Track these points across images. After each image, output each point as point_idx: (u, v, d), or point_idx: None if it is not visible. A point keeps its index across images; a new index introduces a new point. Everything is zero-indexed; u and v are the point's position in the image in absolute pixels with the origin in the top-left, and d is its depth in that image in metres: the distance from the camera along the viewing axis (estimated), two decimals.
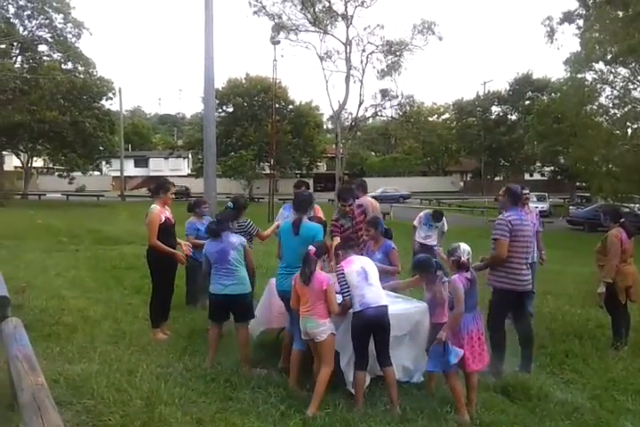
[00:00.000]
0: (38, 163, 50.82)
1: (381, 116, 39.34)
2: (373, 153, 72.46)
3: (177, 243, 6.08)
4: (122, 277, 9.09)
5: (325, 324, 4.19)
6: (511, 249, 4.96)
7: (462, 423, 4.02)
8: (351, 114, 39.77)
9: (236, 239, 5.01)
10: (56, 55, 35.74)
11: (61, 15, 34.43)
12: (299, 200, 4.92)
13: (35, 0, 33.23)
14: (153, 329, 5.85)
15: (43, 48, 35.85)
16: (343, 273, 4.29)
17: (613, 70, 24.68)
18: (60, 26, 34.81)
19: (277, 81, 38.49)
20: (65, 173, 39.58)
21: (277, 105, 40.03)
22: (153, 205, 5.82)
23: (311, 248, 4.23)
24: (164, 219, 5.73)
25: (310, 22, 31.54)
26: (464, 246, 4.37)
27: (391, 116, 38.77)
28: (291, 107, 45.75)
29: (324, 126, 55.59)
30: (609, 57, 23.16)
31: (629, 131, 26.29)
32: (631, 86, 24.74)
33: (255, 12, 32.18)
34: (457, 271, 4.32)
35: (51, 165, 49.74)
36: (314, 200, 5.12)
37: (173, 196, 6.02)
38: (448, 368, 4.17)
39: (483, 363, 4.34)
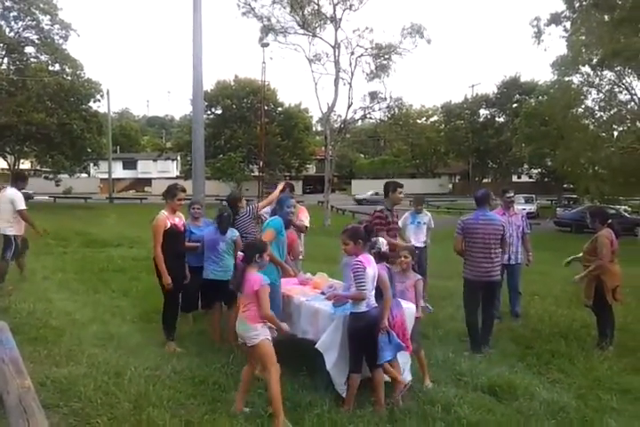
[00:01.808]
0: (25, 165, 50.37)
1: (370, 118, 39.30)
2: (362, 155, 72.68)
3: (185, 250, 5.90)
4: (110, 280, 9.04)
5: (257, 328, 3.97)
6: (468, 245, 5.86)
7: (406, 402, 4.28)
8: (340, 116, 39.75)
9: (229, 233, 5.75)
10: (43, 57, 35.43)
11: (48, 16, 34.12)
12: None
13: (21, 1, 32.93)
14: (167, 341, 5.60)
15: (30, 50, 35.52)
16: (364, 269, 4.13)
17: (599, 73, 24.91)
18: (46, 27, 34.50)
19: (266, 83, 38.53)
20: (51, 176, 39.25)
21: (266, 107, 40.06)
22: (161, 211, 5.63)
23: (240, 254, 4.09)
24: (169, 225, 5.53)
25: (299, 25, 31.49)
26: (382, 240, 4.73)
27: (380, 119, 38.77)
28: (280, 109, 45.79)
29: (314, 128, 55.63)
30: (595, 60, 23.39)
31: (615, 133, 26.57)
32: (617, 89, 24.97)
33: (244, 14, 32.10)
34: (378, 262, 4.43)
35: (38, 167, 49.34)
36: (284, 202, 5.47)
37: (181, 202, 5.79)
38: (399, 350, 4.38)
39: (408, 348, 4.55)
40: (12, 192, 7.44)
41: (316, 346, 4.41)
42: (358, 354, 4.25)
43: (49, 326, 5.97)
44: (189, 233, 6.22)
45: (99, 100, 38.04)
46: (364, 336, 4.21)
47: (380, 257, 4.53)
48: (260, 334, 3.97)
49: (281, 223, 5.24)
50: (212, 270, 5.72)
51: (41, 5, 33.48)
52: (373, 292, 4.27)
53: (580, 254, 6.26)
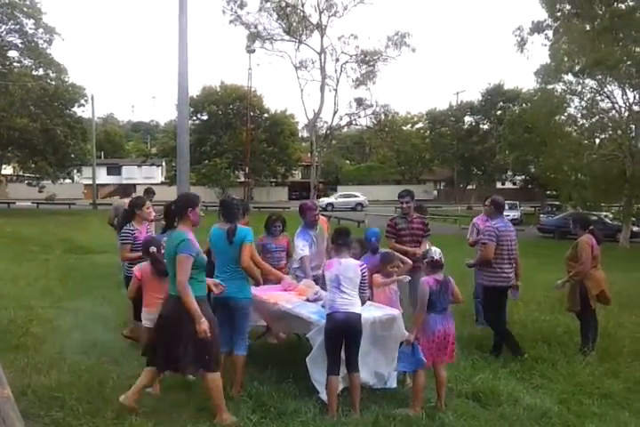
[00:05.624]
0: (7, 170, 49.78)
1: (356, 124, 39.63)
2: (348, 161, 72.79)
3: None
4: (93, 287, 8.96)
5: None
6: (497, 251, 5.78)
7: (414, 415, 4.23)
8: (326, 122, 40.04)
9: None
10: (27, 61, 35.07)
11: (32, 20, 33.74)
12: (227, 210, 4.68)
13: (4, 4, 32.61)
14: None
15: (13, 53, 35.13)
16: (324, 274, 4.47)
17: (581, 81, 25.23)
18: (30, 31, 34.10)
19: (252, 89, 38.57)
20: (34, 182, 38.83)
21: (252, 113, 40.04)
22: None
23: (152, 249, 4.43)
24: None
25: (285, 32, 31.73)
26: (435, 248, 4.61)
27: (366, 125, 39.04)
28: (266, 115, 45.73)
29: (299, 135, 55.56)
30: (577, 68, 23.71)
31: (597, 141, 26.90)
32: (598, 97, 25.27)
33: (231, 22, 32.23)
34: (431, 272, 4.47)
35: (21, 173, 48.76)
36: (244, 209, 5.24)
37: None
38: (419, 367, 4.32)
39: (450, 358, 4.51)
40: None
41: (307, 335, 4.51)
42: (331, 355, 4.28)
43: (30, 334, 5.91)
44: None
45: (83, 106, 37.73)
46: (330, 338, 4.27)
47: (433, 265, 4.46)
48: None
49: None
50: None
51: (25, 9, 33.13)
52: (344, 295, 4.25)
53: (565, 278, 6.28)
